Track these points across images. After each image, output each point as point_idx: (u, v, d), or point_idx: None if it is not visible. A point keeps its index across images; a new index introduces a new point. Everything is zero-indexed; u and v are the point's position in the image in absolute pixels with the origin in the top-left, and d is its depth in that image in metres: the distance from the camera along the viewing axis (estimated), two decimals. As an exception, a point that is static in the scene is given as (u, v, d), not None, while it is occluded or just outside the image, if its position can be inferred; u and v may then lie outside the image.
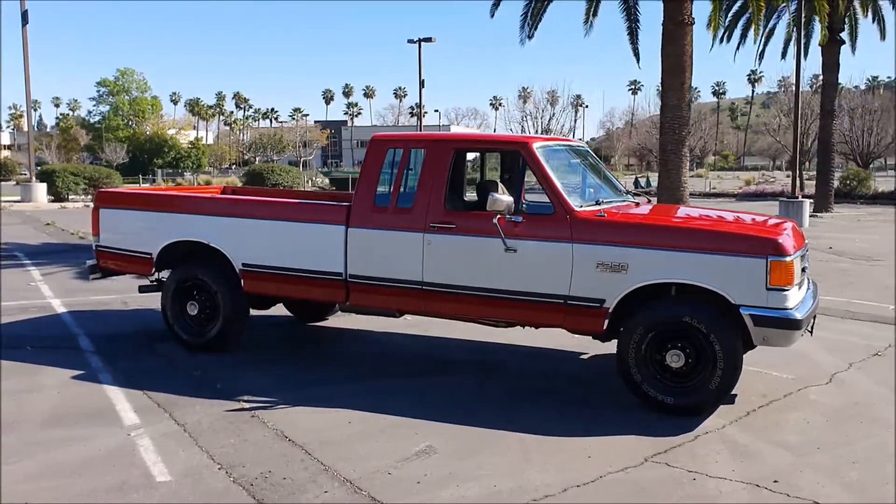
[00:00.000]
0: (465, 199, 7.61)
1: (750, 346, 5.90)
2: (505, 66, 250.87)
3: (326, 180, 52.55)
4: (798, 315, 5.58)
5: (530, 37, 18.96)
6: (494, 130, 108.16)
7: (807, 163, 47.73)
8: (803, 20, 23.04)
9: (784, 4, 24.02)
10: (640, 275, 5.81)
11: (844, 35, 28.71)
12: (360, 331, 8.60)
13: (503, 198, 6.05)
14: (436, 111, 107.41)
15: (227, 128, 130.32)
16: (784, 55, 32.46)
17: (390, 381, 6.76)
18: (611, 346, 6.65)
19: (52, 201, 30.44)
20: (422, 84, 39.93)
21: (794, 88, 28.71)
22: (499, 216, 6.08)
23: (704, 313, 5.68)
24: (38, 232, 19.46)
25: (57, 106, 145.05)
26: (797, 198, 24.47)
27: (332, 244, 6.80)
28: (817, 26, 27.76)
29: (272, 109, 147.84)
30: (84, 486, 4.55)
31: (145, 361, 7.21)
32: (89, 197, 31.34)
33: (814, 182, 32.50)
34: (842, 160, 47.15)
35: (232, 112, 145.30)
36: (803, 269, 6.05)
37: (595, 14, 18.44)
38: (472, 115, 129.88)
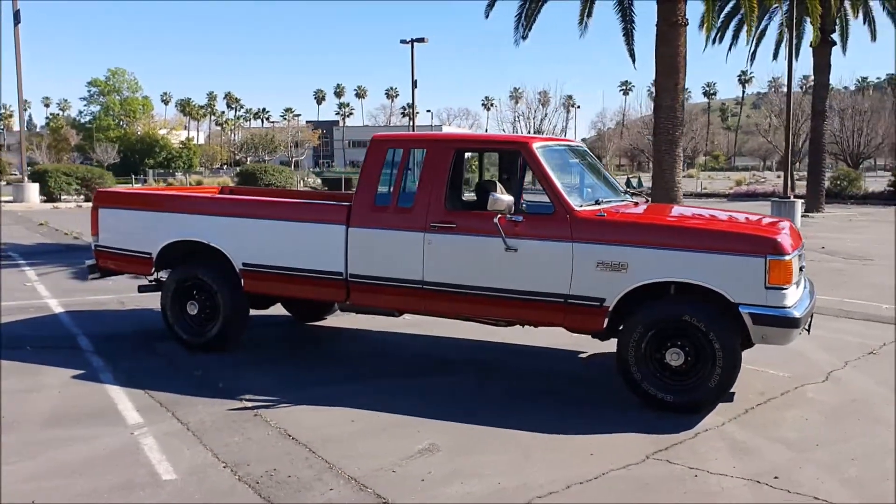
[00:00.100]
0: (463, 199, 7.65)
1: (748, 344, 5.96)
2: (497, 67, 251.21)
3: (318, 180, 52.60)
4: (796, 313, 5.64)
5: (525, 37, 19.03)
6: (486, 130, 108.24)
7: (797, 163, 47.93)
8: (795, 21, 23.13)
9: (776, 5, 24.17)
10: (640, 274, 5.86)
11: (835, 36, 28.88)
12: (360, 330, 8.63)
13: (504, 197, 6.09)
14: (428, 111, 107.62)
15: (219, 128, 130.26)
16: (775, 56, 32.61)
17: (391, 380, 6.79)
18: (608, 345, 6.73)
19: (45, 201, 30.33)
20: (414, 84, 39.94)
21: (784, 89, 28.88)
22: (499, 216, 6.12)
23: (704, 312, 5.73)
24: (31, 232, 19.41)
25: (47, 106, 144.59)
26: (789, 198, 24.62)
27: (332, 244, 6.82)
28: (809, 27, 27.93)
29: (263, 109, 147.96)
30: (90, 484, 4.57)
31: (145, 361, 7.22)
32: (82, 197, 31.29)
33: (804, 182, 32.68)
34: (832, 160, 47.41)
35: (223, 112, 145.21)
36: (801, 268, 6.11)
37: (590, 15, 18.52)
38: (463, 115, 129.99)
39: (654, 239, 5.91)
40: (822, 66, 28.88)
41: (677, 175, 16.28)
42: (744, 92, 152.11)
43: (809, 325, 6.13)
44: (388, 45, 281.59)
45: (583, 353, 7.66)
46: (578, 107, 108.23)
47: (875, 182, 44.25)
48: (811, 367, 7.16)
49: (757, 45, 30.41)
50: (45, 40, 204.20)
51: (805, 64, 76.32)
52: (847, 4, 28.85)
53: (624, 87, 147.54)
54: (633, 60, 18.76)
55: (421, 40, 39.60)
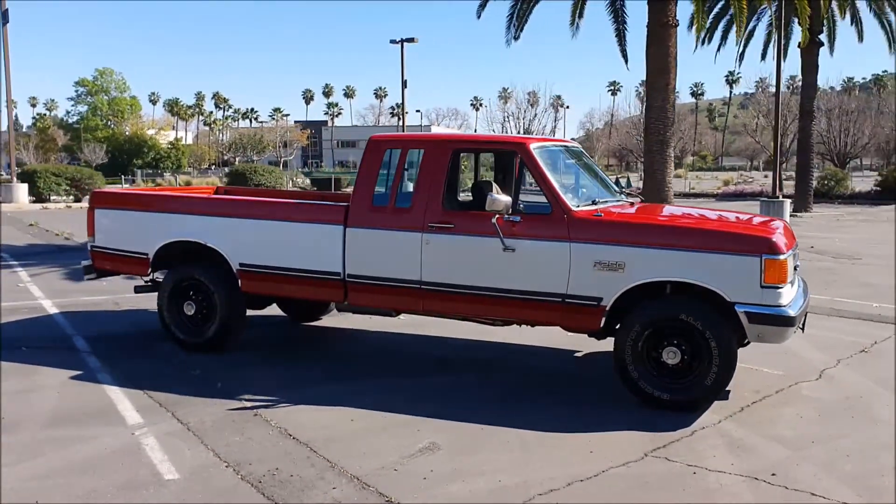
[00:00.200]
0: (459, 199, 7.69)
1: (743, 343, 6.03)
2: (486, 67, 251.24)
3: (307, 180, 52.48)
4: (792, 312, 5.71)
5: (516, 38, 19.11)
6: (475, 131, 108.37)
7: (784, 163, 48.26)
8: (783, 22, 23.29)
9: (764, 6, 24.34)
10: (637, 273, 5.92)
11: (823, 37, 29.09)
12: (356, 330, 8.66)
13: (502, 198, 6.14)
14: (417, 111, 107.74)
15: (207, 128, 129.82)
16: (764, 57, 32.89)
17: (389, 379, 6.82)
18: (603, 344, 6.78)
19: (34, 202, 30.16)
20: (404, 84, 39.98)
21: (771, 89, 29.11)
22: (497, 216, 6.17)
23: (700, 311, 5.79)
24: (21, 233, 19.31)
25: (33, 106, 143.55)
26: (778, 198, 24.79)
27: (330, 244, 6.85)
28: (797, 28, 28.13)
29: (252, 109, 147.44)
30: (93, 484, 4.58)
31: (143, 361, 7.22)
32: (71, 198, 31.16)
33: (791, 182, 32.91)
34: (819, 160, 47.75)
35: (211, 112, 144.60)
36: (795, 267, 6.18)
37: (581, 16, 18.63)
38: (452, 115, 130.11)
39: (651, 239, 5.97)
40: (810, 66, 29.08)
41: (668, 175, 16.38)
42: (731, 92, 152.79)
43: (803, 324, 6.20)
44: (377, 44, 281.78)
45: (578, 351, 7.71)
46: (567, 107, 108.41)
47: (862, 182, 44.58)
48: (804, 365, 7.24)
49: (745, 46, 30.66)
50: (31, 40, 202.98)
51: (792, 64, 76.86)
52: (834, 5, 29.08)
53: (612, 88, 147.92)
54: (626, 61, 18.92)
55: (411, 40, 39.65)
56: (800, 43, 26.63)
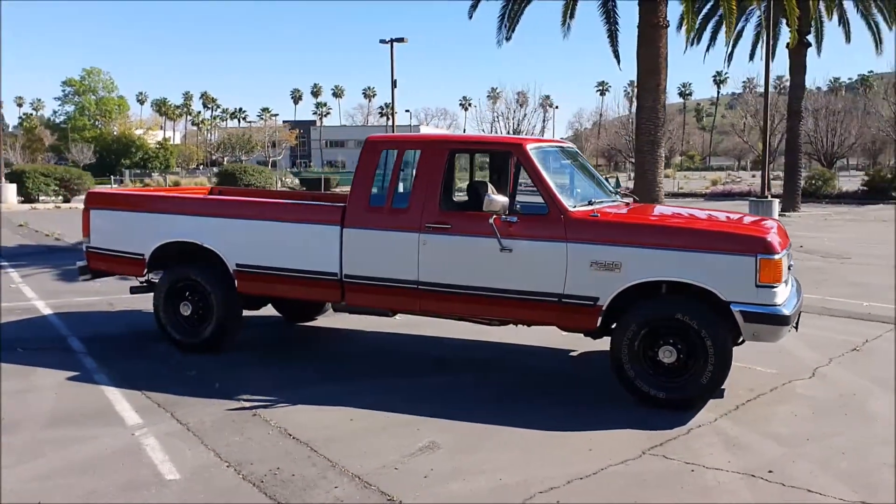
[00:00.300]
0: (454, 199, 7.72)
1: (737, 341, 6.09)
2: (474, 67, 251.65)
3: (296, 181, 52.41)
4: (786, 311, 5.77)
5: (508, 38, 19.18)
6: (464, 131, 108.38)
7: (772, 163, 48.53)
8: (772, 23, 23.46)
9: (753, 6, 24.49)
10: (634, 273, 5.97)
11: (810, 38, 29.29)
12: (353, 330, 8.67)
13: (499, 198, 6.18)
14: (406, 111, 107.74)
15: (195, 128, 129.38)
16: (752, 57, 33.12)
17: (387, 379, 6.84)
18: (598, 343, 6.87)
19: (22, 202, 30.02)
20: (394, 84, 39.94)
21: (758, 89, 29.32)
22: (494, 216, 6.20)
23: (696, 310, 5.85)
24: (11, 233, 19.23)
25: (20, 105, 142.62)
26: (766, 197, 24.95)
27: (327, 244, 6.87)
28: (784, 29, 28.35)
29: (240, 109, 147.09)
30: (95, 484, 4.59)
31: (139, 362, 7.22)
32: (60, 198, 31.02)
33: (779, 182, 33.12)
34: (806, 160, 48.05)
35: (199, 112, 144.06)
36: (789, 267, 6.25)
37: (572, 16, 18.69)
38: (441, 115, 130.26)
39: (647, 239, 6.03)
40: (798, 66, 29.29)
41: (659, 175, 16.48)
42: (719, 92, 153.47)
43: (797, 323, 6.26)
44: (366, 44, 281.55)
45: (573, 351, 7.76)
46: (557, 107, 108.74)
47: (849, 181, 44.96)
48: (797, 363, 7.30)
49: (734, 47, 30.85)
50: (18, 39, 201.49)
51: (779, 65, 77.28)
52: (822, 6, 29.28)
53: (601, 88, 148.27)
54: (618, 61, 19.02)
55: (400, 40, 39.62)
56: (788, 44, 26.83)
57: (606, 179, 8.36)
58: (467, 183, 7.90)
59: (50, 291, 10.92)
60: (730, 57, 29.10)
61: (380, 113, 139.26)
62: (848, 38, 31.35)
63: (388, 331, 8.49)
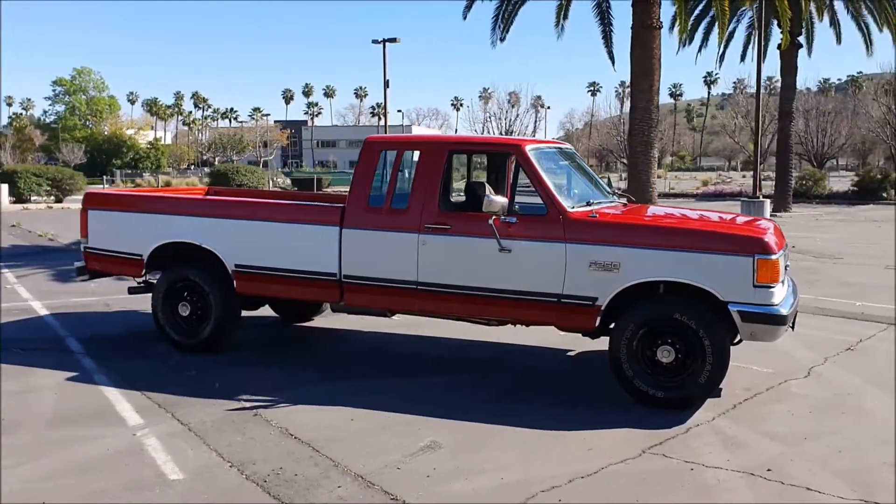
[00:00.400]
0: (452, 200, 7.75)
1: (734, 341, 6.14)
2: (466, 67, 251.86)
3: (288, 181, 52.31)
4: (784, 311, 5.82)
5: (502, 39, 19.22)
6: (456, 131, 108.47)
7: (762, 163, 48.73)
8: (763, 24, 23.57)
9: (744, 7, 24.59)
10: (632, 274, 6.01)
11: (801, 39, 29.45)
12: (350, 331, 8.70)
13: (498, 199, 6.21)
14: (399, 111, 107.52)
15: (186, 128, 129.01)
16: (743, 58, 33.29)
17: (386, 379, 6.87)
18: (595, 343, 6.91)
19: (14, 202, 29.89)
20: (386, 84, 39.91)
21: (749, 90, 29.43)
22: (494, 217, 6.24)
23: (694, 310, 5.89)
24: (4, 234, 19.13)
25: (9, 105, 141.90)
26: (758, 198, 25.06)
27: (326, 245, 6.89)
28: (775, 30, 28.50)
29: (231, 109, 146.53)
30: (99, 484, 4.61)
31: (138, 362, 7.23)
32: (52, 198, 30.90)
33: (769, 182, 33.26)
34: (796, 161, 48.29)
35: (191, 112, 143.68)
36: (786, 267, 6.30)
37: (566, 17, 18.74)
38: (433, 115, 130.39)
39: (646, 239, 6.07)
40: (789, 67, 29.44)
41: (652, 176, 16.55)
42: (709, 93, 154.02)
43: (794, 323, 6.32)
44: (357, 44, 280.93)
45: (570, 350, 7.80)
46: (548, 107, 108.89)
47: (839, 182, 45.18)
48: (792, 363, 7.36)
49: (726, 48, 30.90)
50: (7, 38, 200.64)
51: (769, 66, 77.60)
52: (813, 7, 29.43)
53: (592, 88, 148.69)
54: (613, 62, 19.08)
55: (393, 40, 39.58)
56: (779, 45, 26.96)
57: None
58: (465, 184, 7.93)
59: (45, 292, 10.90)
60: (721, 58, 29.15)
61: (371, 113, 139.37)
62: (839, 40, 31.52)
63: (385, 331, 8.51)
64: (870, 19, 29.98)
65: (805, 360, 7.44)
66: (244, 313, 8.01)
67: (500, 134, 43.65)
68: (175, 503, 4.41)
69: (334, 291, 6.98)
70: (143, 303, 8.81)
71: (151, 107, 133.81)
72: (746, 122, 49.93)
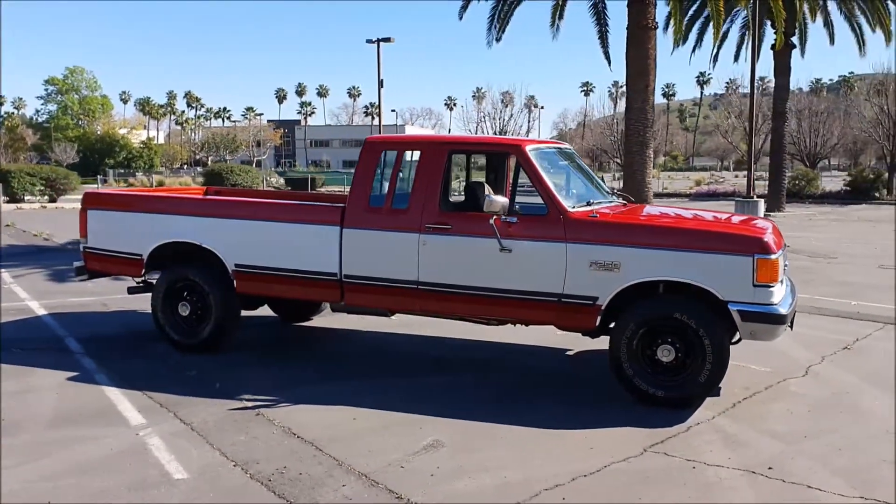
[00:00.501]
0: (451, 200, 7.76)
1: (733, 340, 6.18)
2: (460, 67, 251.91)
3: (282, 180, 52.25)
4: (783, 310, 5.86)
5: (498, 39, 19.25)
6: (449, 131, 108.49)
7: (755, 163, 48.83)
8: (757, 24, 23.66)
9: (738, 8, 24.66)
10: (633, 273, 6.04)
11: (794, 39, 29.56)
12: (348, 330, 8.71)
13: (499, 199, 6.24)
14: (392, 111, 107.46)
15: (179, 127, 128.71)
16: (736, 58, 33.33)
17: (387, 379, 6.88)
18: (593, 342, 6.95)
19: (8, 202, 29.76)
20: (380, 84, 39.91)
21: (741, 90, 29.50)
22: (495, 217, 6.26)
23: (694, 309, 5.93)
24: (-1, 234, 19.12)
25: (1, 104, 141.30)
26: (752, 197, 25.11)
27: (326, 245, 6.90)
28: (769, 30, 28.59)
29: (224, 109, 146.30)
30: (104, 484, 4.62)
31: (138, 362, 7.23)
32: (46, 198, 30.79)
33: (762, 182, 33.36)
34: (789, 161, 48.40)
35: (183, 111, 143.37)
36: (784, 267, 6.34)
37: (561, 17, 18.76)
38: (426, 115, 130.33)
39: (646, 239, 6.10)
40: (783, 68, 29.55)
41: (648, 176, 16.60)
42: (702, 93, 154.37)
43: (792, 322, 6.36)
44: (350, 44, 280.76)
45: (569, 350, 7.83)
46: (542, 107, 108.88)
47: (831, 182, 45.40)
48: (790, 362, 7.41)
49: (719, 48, 30.99)
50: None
51: (762, 66, 77.61)
52: (806, 8, 29.55)
53: (585, 88, 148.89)
54: (609, 63, 19.16)
55: (387, 40, 39.61)
56: (773, 45, 27.03)
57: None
58: (464, 184, 7.96)
59: (42, 292, 10.89)
60: (715, 58, 29.15)
61: (365, 112, 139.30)
62: (832, 40, 31.67)
63: (385, 331, 8.53)
64: (863, 20, 30.13)
65: (803, 360, 7.49)
66: (243, 313, 8.01)
67: (495, 134, 43.66)
68: (181, 503, 4.42)
69: (335, 291, 7.00)
70: (141, 302, 8.82)
71: (144, 106, 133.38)
72: (740, 122, 50.04)
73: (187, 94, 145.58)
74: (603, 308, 6.14)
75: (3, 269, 12.88)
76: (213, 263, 7.41)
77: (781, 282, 6.07)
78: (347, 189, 7.69)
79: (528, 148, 6.59)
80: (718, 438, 5.44)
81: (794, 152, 48.88)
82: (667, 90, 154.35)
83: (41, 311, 9.48)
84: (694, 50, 29.62)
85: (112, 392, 6.36)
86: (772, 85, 34.33)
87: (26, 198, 30.57)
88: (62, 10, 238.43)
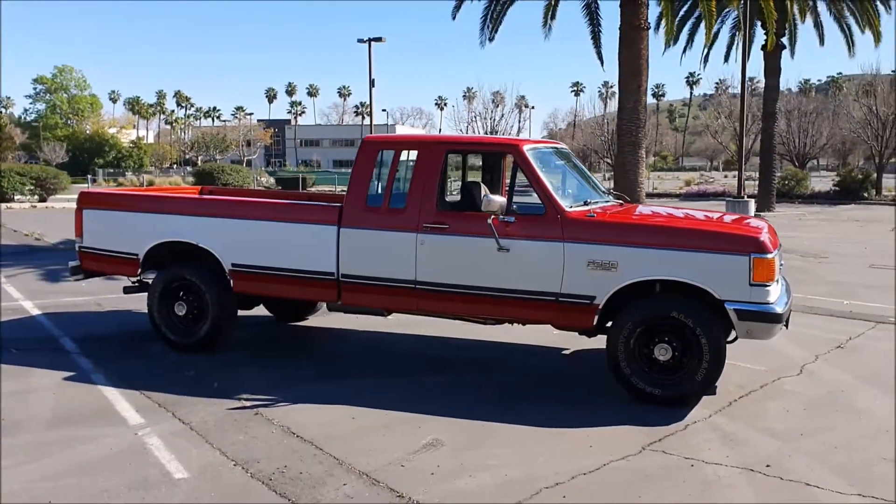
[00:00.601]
0: (447, 199, 7.78)
1: (727, 339, 6.22)
2: (450, 67, 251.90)
3: (272, 180, 52.18)
4: (779, 309, 5.90)
5: (491, 39, 19.26)
6: (440, 131, 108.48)
7: (745, 163, 49.00)
8: (748, 25, 23.76)
9: (728, 8, 24.76)
10: (630, 272, 6.07)
11: (784, 40, 29.70)
12: (345, 330, 8.72)
13: (497, 199, 6.26)
14: (383, 110, 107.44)
15: (168, 127, 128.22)
16: (727, 59, 33.46)
17: (384, 378, 6.89)
18: (590, 341, 6.98)
19: (-4, 202, 29.61)
20: (372, 84, 39.85)
21: (731, 90, 29.61)
22: (492, 217, 6.28)
23: (691, 308, 5.96)
24: (-12, 233, 19.02)
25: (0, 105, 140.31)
26: (742, 197, 25.26)
27: (324, 244, 6.91)
28: (759, 31, 28.72)
29: (214, 108, 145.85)
30: (105, 483, 4.61)
31: (135, 362, 7.22)
32: (36, 197, 30.62)
33: (752, 182, 33.50)
34: (778, 161, 48.59)
35: (173, 111, 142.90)
36: (780, 266, 6.38)
37: (553, 17, 18.81)
38: (417, 114, 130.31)
39: (644, 239, 6.13)
40: (773, 68, 29.68)
41: (640, 176, 16.65)
42: (691, 93, 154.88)
43: (787, 321, 6.40)
44: (340, 43, 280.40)
45: (565, 349, 7.86)
46: (533, 107, 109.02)
47: (820, 182, 45.61)
48: (784, 360, 7.45)
49: (710, 48, 31.12)
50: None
51: (751, 66, 78.04)
52: (796, 10, 29.69)
53: (575, 88, 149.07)
54: (602, 63, 19.20)
55: (378, 39, 39.56)
56: (764, 46, 27.19)
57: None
58: (460, 183, 7.97)
59: (35, 291, 10.84)
60: (706, 58, 29.39)
61: (355, 112, 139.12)
62: (822, 41, 31.84)
63: (381, 330, 8.53)
64: (852, 20, 30.29)
65: (797, 358, 7.54)
66: (239, 313, 8.00)
67: (486, 133, 43.70)
68: (183, 503, 4.42)
69: (332, 291, 7.00)
70: (135, 302, 8.80)
71: (133, 105, 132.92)
72: (729, 122, 50.24)
73: (177, 94, 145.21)
74: (600, 307, 6.17)
75: (-5, 269, 12.82)
76: (209, 263, 7.40)
77: (777, 281, 6.11)
78: (338, 189, 7.70)
79: (526, 148, 6.61)
80: (716, 437, 5.48)
81: (784, 152, 49.07)
82: (656, 90, 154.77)
83: (35, 311, 9.45)
84: (685, 50, 29.80)
85: (110, 392, 6.35)
86: (761, 85, 34.54)
87: (16, 197, 30.36)
88: (51, 9, 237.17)
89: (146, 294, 7.80)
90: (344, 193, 7.30)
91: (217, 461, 4.98)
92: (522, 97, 77.46)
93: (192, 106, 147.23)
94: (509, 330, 7.38)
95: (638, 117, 16.50)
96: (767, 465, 4.93)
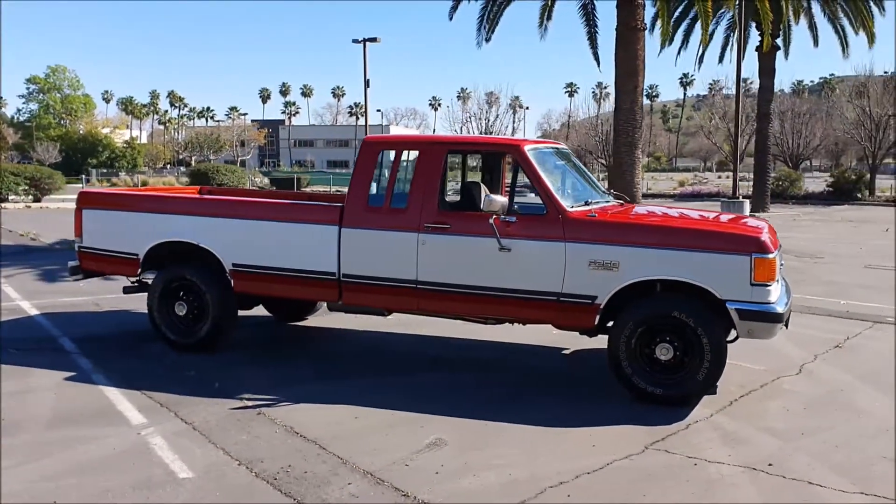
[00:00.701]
0: (447, 199, 7.79)
1: (728, 338, 6.24)
2: (444, 67, 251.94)
3: (266, 180, 52.10)
4: (780, 309, 5.93)
5: (488, 40, 19.28)
6: (434, 131, 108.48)
7: (739, 164, 49.11)
8: (743, 26, 23.84)
9: (724, 9, 24.83)
10: (631, 272, 6.09)
11: (779, 41, 29.81)
12: (345, 330, 8.72)
13: (499, 199, 6.27)
14: (377, 111, 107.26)
15: (162, 127, 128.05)
16: (721, 59, 33.55)
17: (386, 378, 6.90)
18: (590, 341, 7.00)
19: (-9, 202, 29.50)
20: (367, 84, 39.84)
21: (725, 91, 29.69)
22: (494, 217, 6.29)
23: (692, 308, 5.98)
24: (-16, 234, 18.95)
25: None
26: (737, 198, 25.32)
27: (325, 244, 6.91)
28: (753, 32, 28.81)
29: (208, 108, 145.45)
30: (108, 483, 4.61)
31: (135, 362, 7.21)
32: (30, 198, 30.52)
33: (746, 182, 33.59)
34: (772, 161, 48.75)
35: (167, 111, 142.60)
36: (780, 266, 6.41)
37: (549, 18, 18.83)
38: (411, 115, 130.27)
39: (645, 239, 6.16)
40: (768, 70, 29.79)
41: (637, 176, 16.69)
42: (685, 94, 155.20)
43: (788, 321, 6.43)
44: (334, 43, 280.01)
45: (565, 349, 7.88)
46: (527, 108, 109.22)
47: (813, 183, 45.79)
48: (784, 360, 7.48)
49: (705, 49, 31.17)
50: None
51: (747, 68, 78.23)
52: (790, 11, 29.79)
53: (570, 89, 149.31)
54: (598, 63, 19.24)
55: (373, 40, 39.57)
56: (759, 47, 27.25)
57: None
58: (460, 183, 7.99)
59: (32, 291, 10.82)
60: (701, 59, 29.36)
61: (349, 112, 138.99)
62: (816, 42, 31.97)
63: (381, 330, 8.54)
64: (846, 22, 30.42)
65: (796, 358, 7.57)
66: (239, 313, 7.99)
67: (480, 134, 43.74)
68: (188, 502, 4.42)
69: (333, 291, 7.01)
70: (134, 302, 8.79)
71: (127, 105, 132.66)
72: (723, 123, 50.37)
73: (170, 94, 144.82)
74: (602, 307, 6.19)
75: (-9, 269, 12.79)
76: (210, 263, 7.40)
77: (778, 280, 6.14)
78: (333, 189, 7.70)
79: (527, 148, 6.63)
80: (717, 436, 5.50)
81: (777, 153, 49.27)
82: (650, 91, 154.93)
83: (33, 311, 9.42)
84: (679, 51, 29.85)
85: (111, 392, 6.34)
86: (755, 86, 34.64)
87: (10, 197, 30.25)
88: (45, 8, 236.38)
89: (145, 294, 7.80)
90: (341, 193, 7.30)
91: (221, 461, 4.98)
92: (517, 98, 77.70)
93: (185, 106, 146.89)
94: (510, 330, 7.39)
95: (634, 118, 16.54)
96: (769, 464, 4.95)
